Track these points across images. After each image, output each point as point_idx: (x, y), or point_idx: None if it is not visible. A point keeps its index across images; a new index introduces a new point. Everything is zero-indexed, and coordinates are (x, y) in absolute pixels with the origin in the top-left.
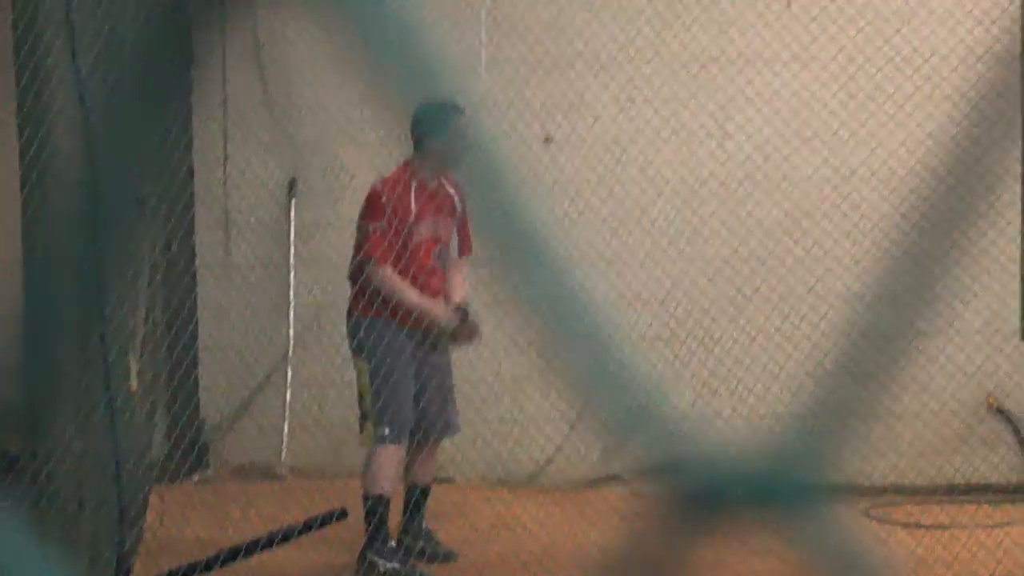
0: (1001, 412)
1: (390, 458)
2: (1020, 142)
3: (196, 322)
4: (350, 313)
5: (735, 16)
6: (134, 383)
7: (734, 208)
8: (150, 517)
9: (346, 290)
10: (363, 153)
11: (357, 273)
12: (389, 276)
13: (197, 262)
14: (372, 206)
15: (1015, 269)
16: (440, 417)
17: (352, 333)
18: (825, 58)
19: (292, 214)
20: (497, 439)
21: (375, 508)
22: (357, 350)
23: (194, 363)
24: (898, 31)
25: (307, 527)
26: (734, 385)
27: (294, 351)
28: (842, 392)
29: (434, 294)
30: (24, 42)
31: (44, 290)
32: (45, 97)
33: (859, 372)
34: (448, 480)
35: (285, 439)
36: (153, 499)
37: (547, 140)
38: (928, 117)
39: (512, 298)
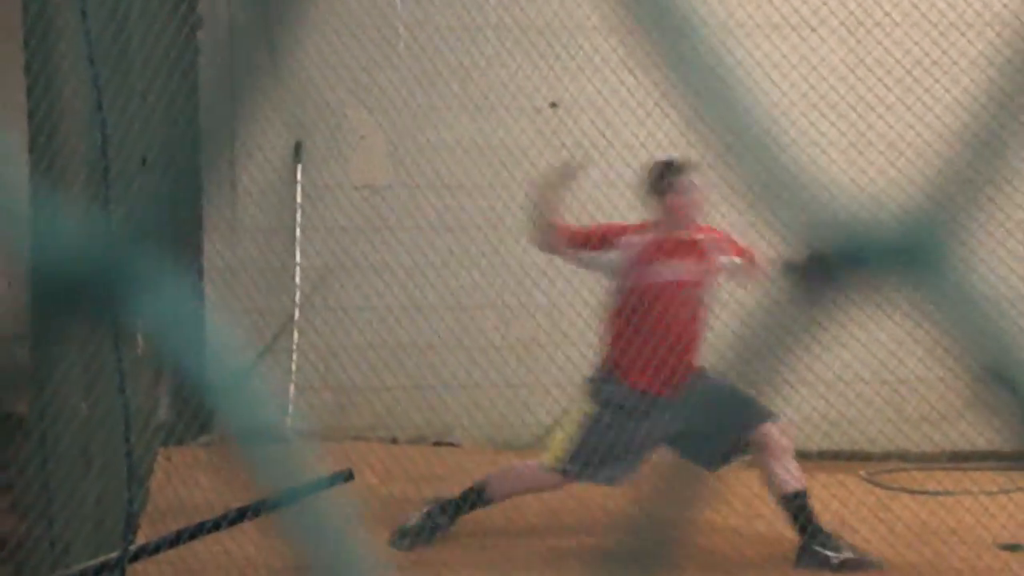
0: (1004, 379)
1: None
2: None
3: (203, 284)
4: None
5: None
6: (140, 344)
7: None
8: (157, 478)
9: (365, 252)
10: (371, 116)
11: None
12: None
13: (204, 224)
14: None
15: (1023, 235)
16: None
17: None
18: (834, 23)
19: (299, 177)
20: (503, 402)
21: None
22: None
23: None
24: None
25: (313, 488)
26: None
27: (300, 314)
28: (964, 165)
29: (680, 333)
30: (33, 2)
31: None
32: (55, 58)
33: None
34: (453, 444)
35: (292, 401)
36: (160, 460)
37: (553, 105)
38: (937, 82)
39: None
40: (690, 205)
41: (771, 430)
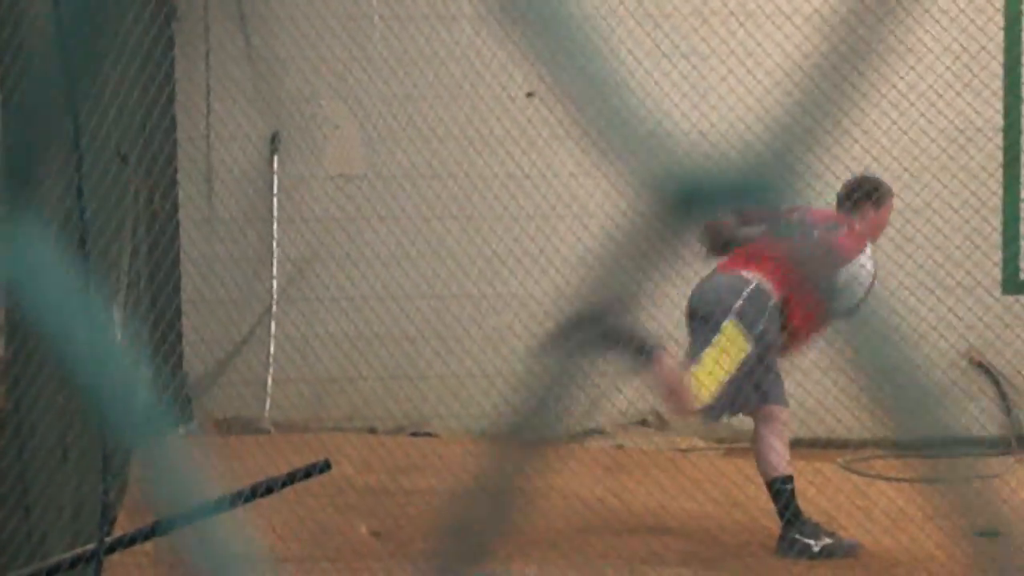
0: (982, 366)
1: (784, 438)
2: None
3: (179, 275)
4: (752, 279)
5: None
6: (119, 333)
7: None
8: (134, 470)
9: (341, 242)
10: (346, 105)
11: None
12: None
13: (180, 215)
14: (869, 272)
15: (996, 221)
16: None
17: (741, 297)
18: (808, 11)
19: (275, 167)
20: (480, 393)
21: (789, 483)
22: (734, 313)
23: (177, 316)
24: None
25: (290, 479)
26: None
27: (277, 305)
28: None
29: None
30: None
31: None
32: (26, 47)
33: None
34: (431, 434)
35: (269, 392)
36: (138, 451)
37: (530, 95)
38: (910, 71)
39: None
40: (884, 225)
41: (782, 412)
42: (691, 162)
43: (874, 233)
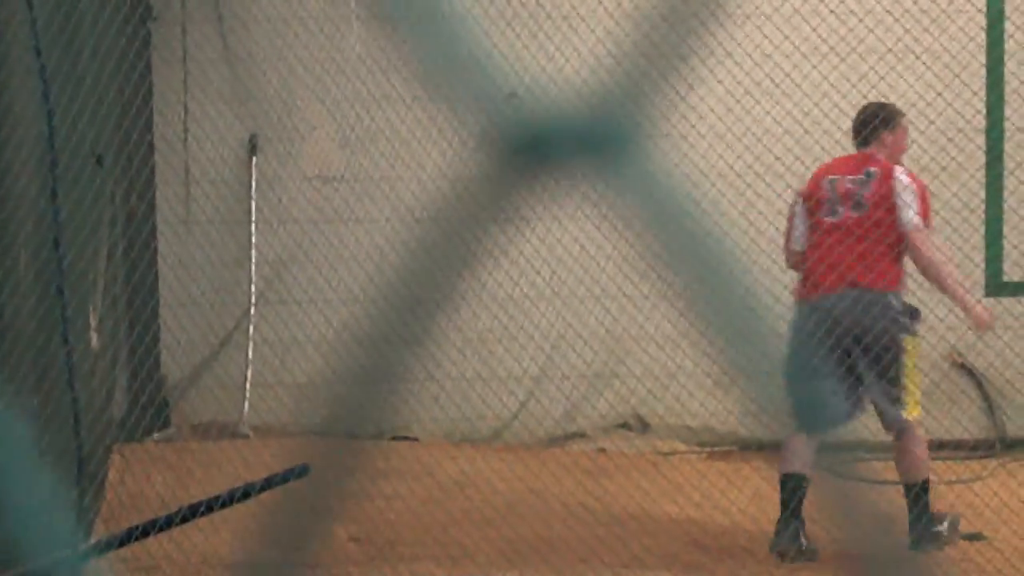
0: (965, 368)
1: (924, 443)
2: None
3: (156, 277)
4: (883, 290)
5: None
6: (94, 338)
7: (697, 161)
8: (112, 475)
9: (319, 244)
10: (323, 107)
11: (895, 244)
12: (938, 251)
13: (157, 217)
14: (919, 181)
15: (978, 222)
16: None
17: (895, 311)
18: (787, 11)
19: (253, 169)
20: (461, 397)
21: (927, 490)
22: (904, 329)
23: (154, 319)
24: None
25: (267, 484)
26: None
27: (255, 307)
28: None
29: None
30: None
31: (1, 245)
32: (0, 48)
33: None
34: (411, 438)
35: (247, 396)
36: (115, 457)
37: (511, 95)
38: (890, 71)
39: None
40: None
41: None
42: (533, 111)
43: (895, 156)
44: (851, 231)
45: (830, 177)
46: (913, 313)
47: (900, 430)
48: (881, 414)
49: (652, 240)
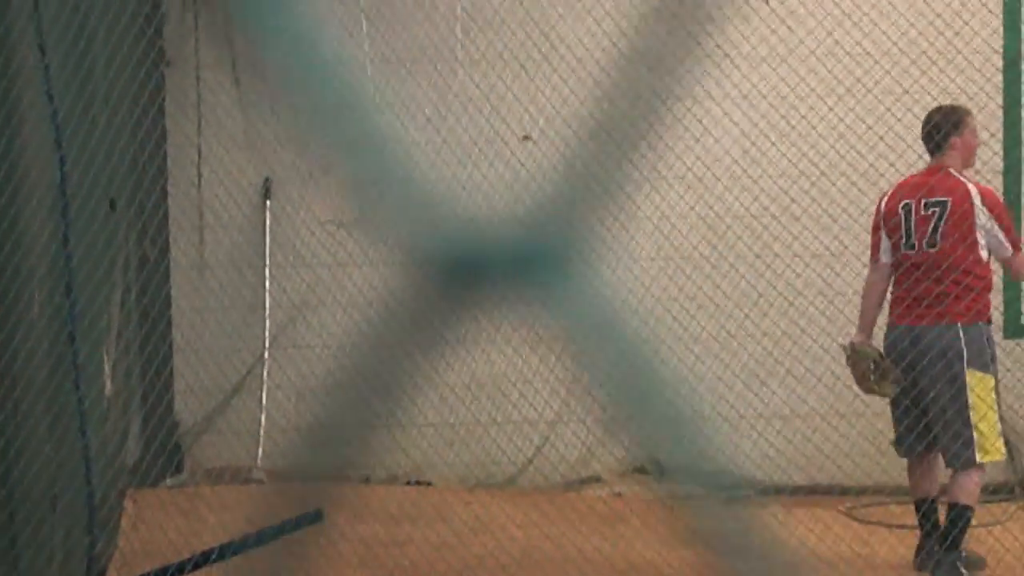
0: None
1: (984, 472)
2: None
3: (169, 322)
4: (950, 324)
5: (714, 11)
6: (108, 384)
7: (713, 204)
8: (124, 521)
9: (332, 289)
10: (337, 149)
11: (982, 273)
12: None
13: (170, 261)
14: (998, 198)
15: (996, 265)
16: None
17: (969, 343)
18: (803, 53)
19: (267, 213)
20: (475, 441)
21: (969, 518)
22: (984, 365)
23: (167, 364)
24: (876, 26)
25: (280, 530)
26: (715, 385)
27: (269, 352)
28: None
29: None
30: None
31: (14, 290)
32: (13, 93)
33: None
34: (426, 483)
35: (261, 441)
36: (127, 503)
37: (526, 138)
38: (907, 113)
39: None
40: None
41: None
42: (464, 231)
43: (968, 158)
44: (925, 269)
45: (905, 202)
46: (980, 349)
47: (959, 468)
48: (943, 451)
49: (582, 362)
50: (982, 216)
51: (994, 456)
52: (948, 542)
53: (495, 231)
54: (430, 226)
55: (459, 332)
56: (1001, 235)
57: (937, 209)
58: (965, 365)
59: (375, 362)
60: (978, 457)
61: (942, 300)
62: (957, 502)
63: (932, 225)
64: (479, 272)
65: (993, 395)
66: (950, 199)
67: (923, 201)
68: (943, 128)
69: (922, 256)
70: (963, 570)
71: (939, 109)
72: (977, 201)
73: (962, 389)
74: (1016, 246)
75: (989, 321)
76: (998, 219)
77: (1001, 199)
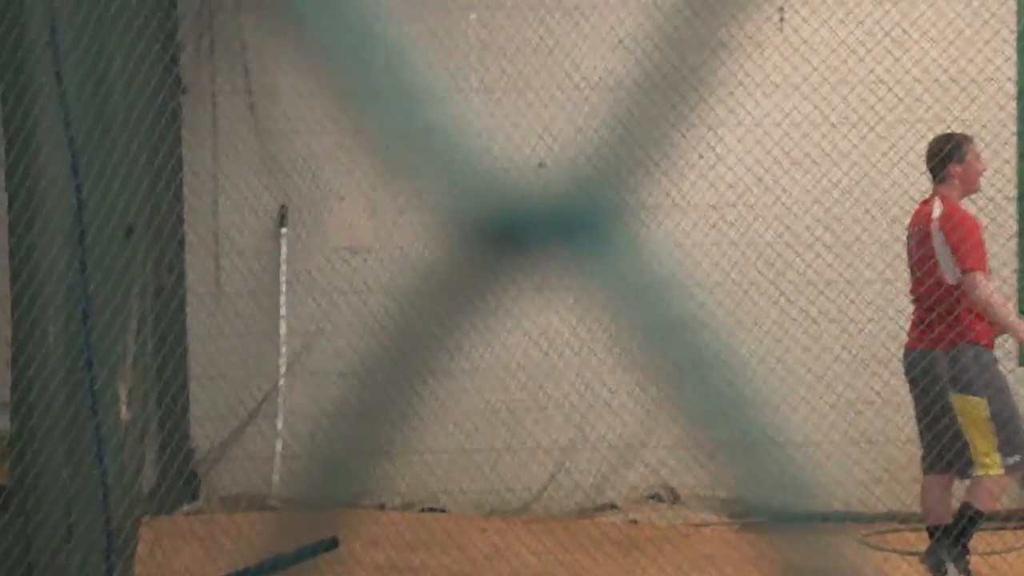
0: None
1: (1003, 483)
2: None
3: (186, 349)
4: (931, 348)
5: (728, 40)
6: (124, 410)
7: (727, 231)
8: (141, 548)
9: (347, 316)
10: (352, 179)
11: (943, 297)
12: (992, 289)
13: (186, 288)
14: (960, 220)
15: (1011, 291)
16: None
17: (953, 370)
18: (816, 81)
19: (283, 240)
20: (490, 468)
21: (976, 522)
22: (965, 387)
23: (183, 391)
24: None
25: (296, 557)
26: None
27: (285, 379)
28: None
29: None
30: (9, 65)
31: (31, 317)
32: (30, 120)
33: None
34: (441, 510)
35: (277, 468)
36: (144, 530)
37: (540, 166)
38: (920, 140)
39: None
40: (977, 174)
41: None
42: (510, 194)
43: (971, 184)
44: (916, 297)
45: (908, 232)
46: (962, 370)
47: (972, 477)
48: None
49: (629, 324)
50: (938, 238)
51: (994, 470)
52: (950, 536)
53: (536, 196)
54: (473, 192)
55: (499, 298)
56: (951, 259)
57: (916, 237)
58: (949, 389)
59: (388, 387)
60: (979, 472)
61: (931, 326)
62: (968, 502)
63: (913, 256)
64: (520, 236)
65: (985, 413)
66: (920, 225)
67: (912, 229)
68: (939, 156)
69: (912, 284)
70: (950, 565)
71: (938, 138)
72: (935, 225)
73: (950, 411)
74: (970, 268)
75: (974, 341)
76: (949, 238)
77: (966, 220)
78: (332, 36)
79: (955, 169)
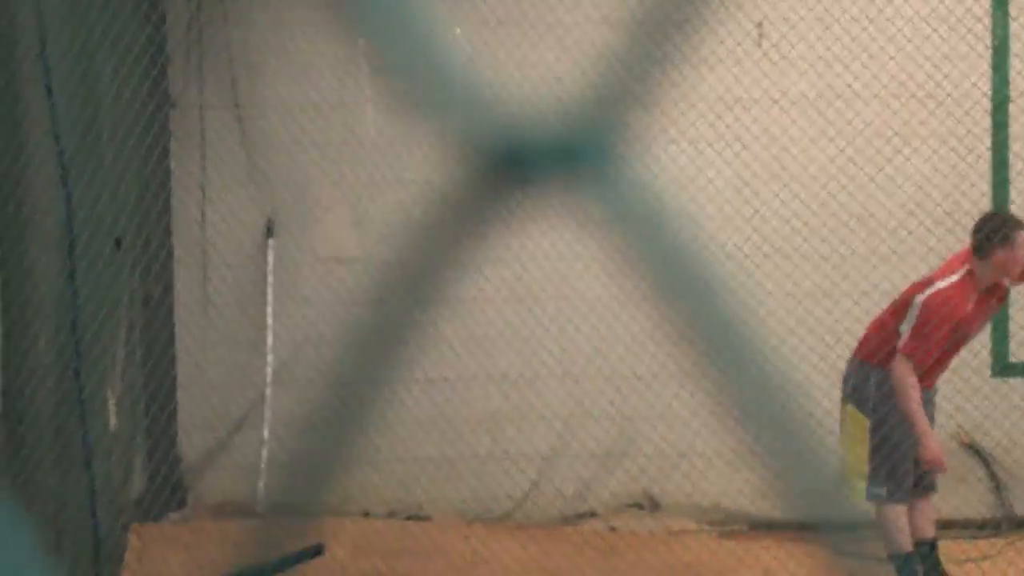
0: (973, 448)
1: (895, 512)
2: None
3: (173, 359)
4: (861, 360)
5: (708, 56)
6: (113, 419)
7: (706, 243)
8: (129, 555)
9: (333, 325)
10: (338, 190)
11: (886, 339)
12: (908, 374)
13: (174, 299)
14: (930, 314)
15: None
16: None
17: (858, 381)
18: (795, 95)
19: (269, 252)
20: (473, 476)
21: (908, 565)
22: (859, 401)
23: (170, 400)
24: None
25: (282, 564)
26: (708, 420)
27: (272, 389)
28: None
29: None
30: None
31: (20, 327)
32: (20, 133)
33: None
34: (424, 517)
35: (263, 476)
36: (132, 537)
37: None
38: (897, 154)
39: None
40: (1018, 262)
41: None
42: (514, 123)
43: (1011, 271)
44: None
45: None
46: (847, 378)
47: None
48: None
49: (633, 253)
50: (913, 311)
51: (854, 495)
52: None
53: (542, 123)
54: (482, 117)
55: (505, 221)
56: (910, 328)
57: (914, 290)
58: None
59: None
60: (870, 488)
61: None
62: (888, 553)
63: (908, 288)
64: (526, 160)
65: (866, 434)
66: (923, 284)
67: (924, 277)
68: (986, 233)
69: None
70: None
71: (992, 215)
72: (920, 299)
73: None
74: (908, 354)
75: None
76: (919, 318)
77: (944, 315)
78: None
79: (998, 253)
